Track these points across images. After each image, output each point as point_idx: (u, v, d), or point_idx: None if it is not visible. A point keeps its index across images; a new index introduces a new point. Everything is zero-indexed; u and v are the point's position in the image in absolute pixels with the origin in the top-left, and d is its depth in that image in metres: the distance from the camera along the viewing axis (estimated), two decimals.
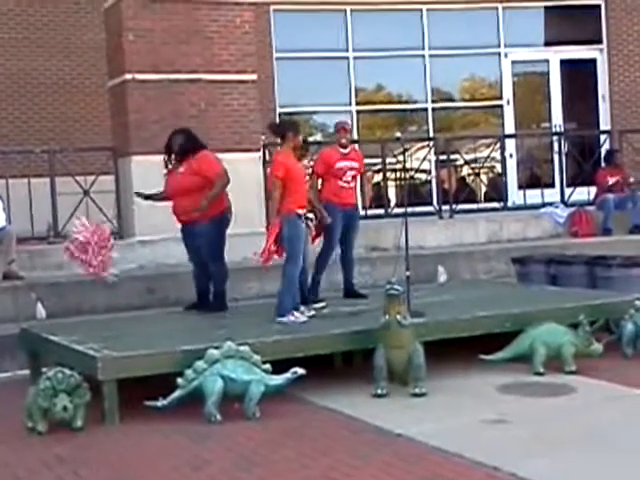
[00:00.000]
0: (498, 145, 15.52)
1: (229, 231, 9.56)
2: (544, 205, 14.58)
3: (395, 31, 17.12)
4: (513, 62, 17.83)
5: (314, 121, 17.40)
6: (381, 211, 14.12)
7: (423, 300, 8.57)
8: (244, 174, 11.98)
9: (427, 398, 7.00)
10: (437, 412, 6.68)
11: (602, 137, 16.31)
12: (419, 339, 7.24)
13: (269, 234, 8.54)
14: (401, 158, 12.96)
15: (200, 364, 6.67)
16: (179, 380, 6.68)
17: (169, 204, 9.45)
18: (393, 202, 14.85)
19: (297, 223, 8.46)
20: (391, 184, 15.65)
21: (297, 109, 16.92)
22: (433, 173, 15.80)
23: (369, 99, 17.71)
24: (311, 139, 14.23)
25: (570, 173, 15.93)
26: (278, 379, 6.69)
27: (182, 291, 9.61)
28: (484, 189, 16.50)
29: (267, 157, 13.11)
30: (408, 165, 14.21)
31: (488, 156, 15.86)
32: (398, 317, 7.14)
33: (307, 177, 9.63)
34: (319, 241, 9.83)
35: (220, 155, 11.91)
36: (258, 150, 12.91)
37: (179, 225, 9.46)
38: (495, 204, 15.01)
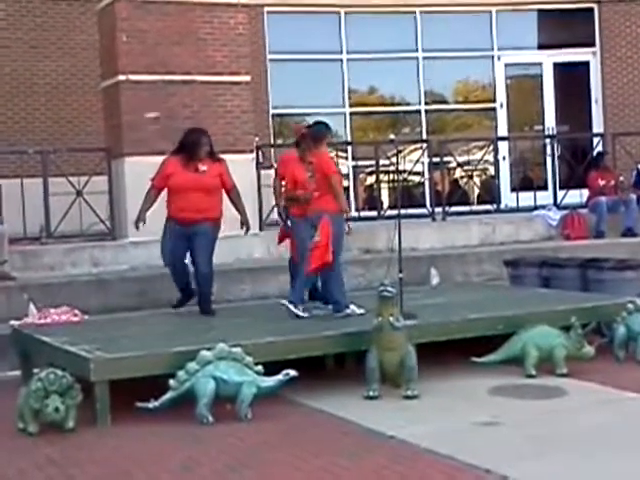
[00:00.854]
0: (491, 147, 15.56)
1: (225, 232, 9.57)
2: (537, 208, 14.60)
3: (389, 33, 17.15)
4: (506, 65, 17.88)
5: (307, 123, 17.37)
6: (374, 213, 14.14)
7: (416, 302, 8.58)
8: (237, 176, 11.96)
9: (419, 400, 7.01)
10: (429, 414, 6.68)
11: (595, 140, 16.34)
12: (411, 341, 7.24)
13: (323, 232, 8.59)
14: (394, 160, 12.96)
15: (192, 365, 6.67)
16: (171, 382, 6.67)
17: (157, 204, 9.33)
18: (386, 204, 14.87)
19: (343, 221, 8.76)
20: (384, 186, 15.67)
21: (290, 111, 16.95)
22: (426, 175, 15.84)
23: (362, 101, 17.73)
24: None
25: (563, 176, 15.96)
26: (270, 381, 6.69)
27: (174, 292, 9.57)
28: (477, 191, 16.53)
29: (260, 159, 13.12)
30: (401, 167, 14.22)
31: (481, 158, 15.88)
32: (391, 319, 7.14)
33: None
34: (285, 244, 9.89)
35: None
36: (252, 152, 12.91)
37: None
38: (488, 206, 15.04)
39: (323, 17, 17.03)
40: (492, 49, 17.75)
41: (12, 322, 9.08)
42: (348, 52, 17.13)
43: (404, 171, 14.72)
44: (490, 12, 17.68)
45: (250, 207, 12.05)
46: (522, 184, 15.97)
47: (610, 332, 8.31)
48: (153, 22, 12.35)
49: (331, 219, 8.56)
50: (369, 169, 15.33)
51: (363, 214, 14.36)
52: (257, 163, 12.84)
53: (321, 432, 6.37)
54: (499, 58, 17.79)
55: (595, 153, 15.40)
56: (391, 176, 15.27)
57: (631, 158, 15.37)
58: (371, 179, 15.42)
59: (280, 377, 6.69)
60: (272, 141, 15.92)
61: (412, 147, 16.31)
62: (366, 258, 11.65)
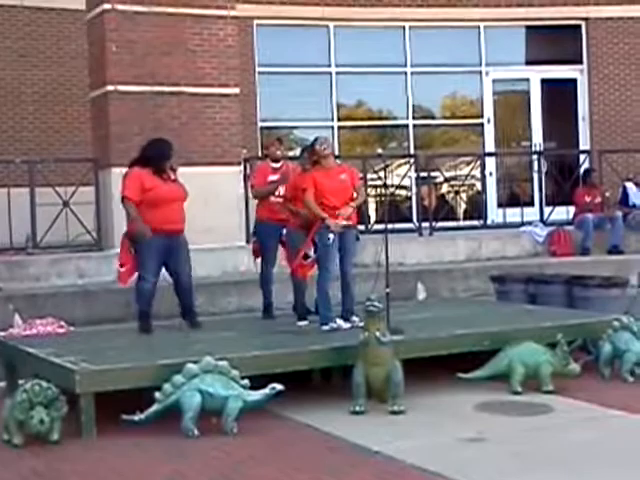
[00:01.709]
0: (478, 163, 15.59)
1: (212, 245, 9.55)
2: (523, 224, 14.63)
3: (377, 47, 17.17)
4: (494, 80, 17.91)
5: (295, 136, 17.40)
6: (361, 227, 14.11)
7: (402, 317, 8.58)
8: (225, 188, 11.99)
9: (405, 416, 7.00)
10: (415, 430, 6.68)
11: (582, 157, 16.39)
12: (398, 356, 7.24)
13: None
14: (382, 174, 12.99)
15: (178, 378, 6.65)
16: (157, 394, 6.65)
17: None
18: (373, 218, 14.88)
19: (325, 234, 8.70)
20: (371, 200, 15.68)
21: (278, 123, 16.95)
22: (413, 190, 15.84)
23: (350, 115, 17.74)
24: (291, 154, 14.24)
25: (549, 192, 15.99)
26: (256, 395, 6.68)
27: (160, 304, 9.55)
28: (464, 207, 16.56)
29: (248, 171, 13.12)
30: (389, 182, 14.24)
31: (468, 174, 15.90)
32: (377, 334, 7.14)
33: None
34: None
35: (201, 168, 12.00)
36: (239, 164, 12.92)
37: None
38: (475, 222, 15.07)
39: (312, 30, 17.05)
40: (480, 64, 17.78)
41: None
42: (337, 66, 17.14)
43: (391, 185, 14.74)
44: (478, 28, 17.72)
45: (237, 219, 12.12)
46: (509, 200, 16.02)
47: (596, 349, 8.32)
48: (142, 33, 12.37)
49: (316, 234, 8.62)
50: None
51: None
52: (244, 176, 12.82)
53: (307, 447, 6.35)
54: (487, 74, 17.83)
55: (582, 170, 15.45)
56: (378, 190, 15.28)
57: (617, 175, 15.44)
58: None
59: (266, 391, 6.68)
60: (260, 154, 15.91)
61: (399, 162, 16.32)
62: (353, 272, 11.61)
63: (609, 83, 17.97)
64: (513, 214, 15.02)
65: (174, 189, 8.98)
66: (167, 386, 6.65)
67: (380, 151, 11.69)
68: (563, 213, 14.98)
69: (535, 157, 16.26)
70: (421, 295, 11.60)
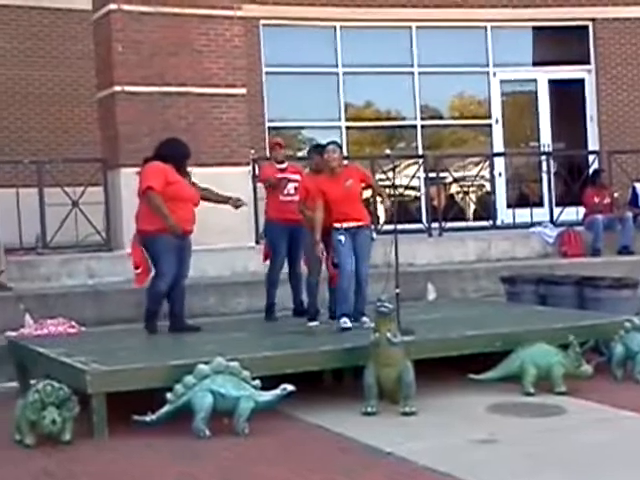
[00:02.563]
0: (487, 163, 15.56)
1: (222, 245, 9.52)
2: (533, 224, 14.61)
3: (385, 48, 17.16)
4: (502, 81, 17.90)
5: (302, 136, 17.40)
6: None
7: (413, 318, 8.56)
8: (234, 188, 11.94)
9: (417, 417, 6.98)
10: (427, 431, 6.66)
11: (590, 157, 16.36)
12: (409, 357, 7.22)
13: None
14: (390, 175, 12.96)
15: (190, 379, 6.64)
16: (168, 395, 6.63)
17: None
18: (382, 219, 14.85)
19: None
20: (380, 201, 15.62)
21: (286, 124, 16.95)
22: (422, 190, 15.81)
23: (358, 115, 17.73)
24: (300, 154, 14.22)
25: (559, 193, 15.99)
26: (268, 395, 6.66)
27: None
28: (473, 207, 16.53)
29: (256, 171, 13.10)
30: (397, 182, 14.21)
31: (477, 174, 15.88)
32: (388, 335, 7.12)
33: None
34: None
35: (209, 169, 11.99)
36: (247, 164, 12.91)
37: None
38: (484, 222, 15.04)
39: (319, 31, 17.04)
40: (487, 65, 17.77)
41: (8, 333, 9.04)
42: (344, 66, 17.13)
43: (400, 186, 14.71)
44: (485, 28, 17.71)
45: (246, 220, 12.09)
46: (518, 200, 15.99)
47: (608, 351, 8.30)
48: (149, 33, 12.35)
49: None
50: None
51: None
52: (253, 176, 12.81)
53: (319, 448, 6.34)
54: (494, 74, 17.81)
55: (591, 171, 15.42)
56: (387, 191, 15.22)
57: (627, 176, 15.40)
58: (367, 194, 15.37)
59: (277, 392, 6.66)
60: (268, 154, 15.90)
61: (408, 162, 16.30)
62: (367, 273, 11.59)
63: (617, 83, 17.94)
64: (523, 215, 14.99)
65: (192, 189, 8.94)
66: (178, 387, 6.63)
67: (388, 152, 11.67)
68: (573, 214, 14.94)
69: (544, 158, 16.24)
70: (431, 296, 11.57)
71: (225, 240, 11.15)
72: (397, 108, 17.89)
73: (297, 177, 9.78)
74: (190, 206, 8.82)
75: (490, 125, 17.83)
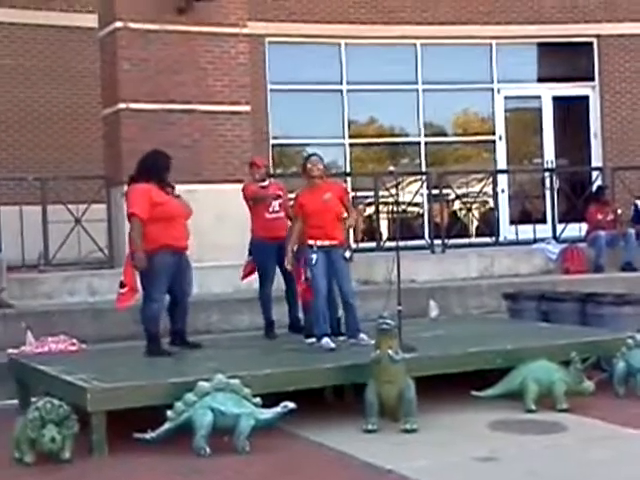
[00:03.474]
0: (490, 180, 15.57)
1: (225, 262, 9.48)
2: (536, 241, 14.61)
3: (389, 65, 17.23)
4: (506, 98, 17.95)
5: (307, 153, 17.40)
6: (373, 244, 14.13)
7: (415, 335, 8.54)
8: (237, 204, 11.95)
9: (418, 434, 6.95)
10: (428, 448, 6.63)
11: (594, 174, 16.37)
12: (410, 374, 7.20)
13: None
14: (393, 191, 12.97)
15: (190, 397, 6.62)
16: (169, 413, 6.61)
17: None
18: (385, 235, 14.87)
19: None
20: (383, 217, 15.67)
21: (290, 141, 17.00)
22: (425, 207, 15.82)
23: (362, 132, 17.78)
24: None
25: (562, 209, 15.99)
26: (268, 413, 6.64)
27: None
28: (476, 224, 16.54)
29: None
30: (400, 199, 14.23)
31: (480, 191, 15.91)
32: (390, 352, 7.10)
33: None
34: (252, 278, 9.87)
35: (213, 186, 12.02)
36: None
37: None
38: (487, 239, 15.04)
39: (323, 48, 17.11)
40: (492, 82, 17.83)
41: (9, 350, 9.04)
42: (348, 83, 17.20)
43: (403, 203, 14.73)
44: (490, 45, 17.78)
45: (248, 236, 12.08)
46: (521, 217, 16.00)
47: (610, 367, 8.27)
48: (154, 51, 12.40)
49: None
50: (368, 200, 15.31)
51: (362, 245, 14.35)
52: None
53: (319, 465, 6.32)
54: (499, 91, 17.86)
55: (595, 187, 15.42)
56: (390, 207, 15.27)
57: (630, 192, 15.38)
58: (370, 210, 15.42)
59: (278, 409, 6.64)
60: (272, 171, 15.93)
61: (411, 179, 16.32)
62: (364, 290, 11.61)
63: (621, 100, 17.98)
64: (525, 231, 15.00)
65: (180, 204, 8.72)
66: (179, 404, 6.62)
67: (392, 168, 11.65)
68: (575, 230, 14.94)
69: (547, 174, 16.25)
70: (434, 312, 11.54)
71: (228, 257, 11.13)
72: (401, 125, 17.94)
73: (280, 193, 9.78)
74: (182, 222, 8.64)
75: (494, 142, 17.88)
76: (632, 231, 14.01)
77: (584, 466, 6.10)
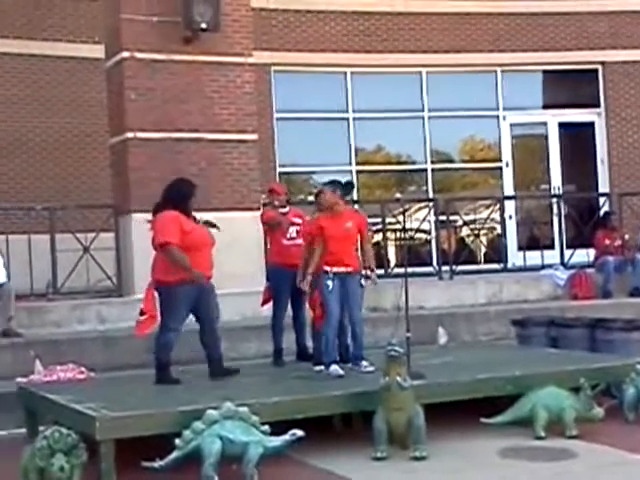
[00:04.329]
0: (497, 206, 15.57)
1: (233, 290, 9.45)
2: (544, 267, 14.59)
3: (395, 92, 17.31)
4: (512, 125, 17.99)
5: (314, 181, 17.47)
6: (381, 271, 14.08)
7: (423, 362, 8.52)
8: (245, 232, 11.99)
9: (427, 461, 6.92)
10: (438, 476, 6.60)
11: (601, 199, 16.37)
12: (419, 401, 7.18)
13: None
14: (401, 218, 12.98)
15: (198, 425, 6.60)
16: (177, 441, 6.59)
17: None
18: (393, 262, 14.86)
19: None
20: (391, 244, 15.68)
21: (297, 169, 17.05)
22: (433, 234, 15.83)
23: (369, 159, 17.83)
24: (310, 198, 14.26)
25: (569, 235, 15.98)
26: (277, 441, 6.61)
27: (181, 350, 9.51)
28: (484, 250, 16.53)
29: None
30: (408, 225, 14.24)
31: (488, 217, 15.91)
32: (398, 379, 7.08)
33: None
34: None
35: (220, 214, 12.02)
36: (258, 209, 12.89)
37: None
38: (495, 265, 15.03)
39: (329, 76, 17.19)
40: (497, 109, 17.87)
41: (18, 379, 9.03)
42: (354, 111, 17.26)
43: (410, 229, 14.74)
44: (495, 72, 17.84)
45: (257, 264, 12.10)
46: (529, 243, 15.98)
47: (620, 393, 8.23)
48: (161, 80, 12.48)
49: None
50: (375, 227, 15.33)
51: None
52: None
53: None
54: (504, 118, 17.90)
55: (602, 213, 15.42)
56: (398, 234, 15.28)
57: (637, 218, 15.37)
58: (378, 237, 15.43)
59: (287, 437, 6.60)
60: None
61: (418, 205, 16.34)
62: (373, 316, 11.59)
63: (627, 126, 18.02)
64: (533, 257, 14.98)
65: (206, 233, 8.69)
66: (187, 432, 6.59)
67: (398, 195, 11.69)
68: (584, 256, 14.92)
69: (554, 200, 16.25)
70: (442, 339, 11.53)
71: (235, 285, 11.13)
72: (407, 152, 17.99)
73: (299, 220, 9.78)
74: (208, 251, 8.57)
75: (500, 168, 17.90)
76: None
77: None
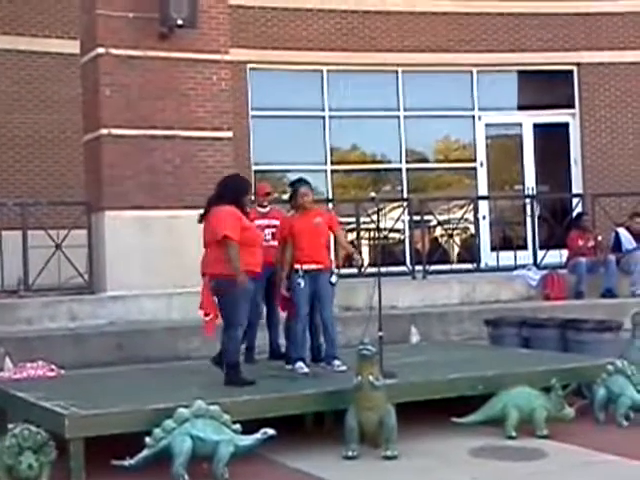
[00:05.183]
0: (471, 206, 15.60)
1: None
2: (517, 267, 14.63)
3: (370, 92, 17.31)
4: (487, 125, 18.04)
5: (288, 179, 17.42)
6: (354, 270, 14.10)
7: (395, 361, 8.52)
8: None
9: (398, 461, 6.93)
10: (408, 475, 6.61)
11: (574, 200, 16.43)
12: (391, 400, 7.18)
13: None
14: (375, 218, 12.98)
15: (169, 423, 6.57)
16: (147, 439, 6.56)
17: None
18: (366, 262, 14.85)
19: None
20: (365, 243, 15.68)
21: (272, 167, 17.00)
22: (407, 233, 15.84)
23: (344, 158, 17.82)
24: (285, 197, 14.24)
25: (543, 236, 16.04)
26: (248, 440, 6.60)
27: (152, 348, 9.52)
28: (457, 250, 16.56)
29: None
30: (382, 225, 14.24)
31: (461, 217, 15.93)
32: (370, 378, 7.09)
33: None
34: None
35: (194, 211, 11.95)
36: None
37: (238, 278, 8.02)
38: (468, 265, 15.05)
39: (306, 75, 17.17)
40: (473, 109, 17.91)
41: None
42: (330, 110, 17.24)
43: (384, 229, 14.74)
44: (471, 72, 17.87)
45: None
46: (502, 243, 16.02)
47: (590, 394, 8.28)
48: (136, 77, 12.41)
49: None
50: (349, 226, 15.31)
51: (343, 271, 14.31)
52: None
53: None
54: (480, 118, 17.94)
55: (575, 214, 15.48)
56: (371, 234, 15.28)
57: (610, 219, 15.45)
58: (351, 236, 15.41)
59: (258, 436, 6.60)
60: (253, 197, 15.90)
61: (393, 205, 16.35)
62: (346, 316, 11.58)
63: (601, 127, 18.09)
64: (506, 257, 15.02)
65: (258, 231, 8.65)
66: (158, 431, 6.56)
67: (373, 194, 11.69)
68: (556, 256, 14.98)
69: (528, 200, 16.30)
70: (414, 338, 11.54)
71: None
72: (382, 151, 17.99)
73: (276, 222, 9.62)
74: (259, 249, 8.37)
75: (475, 168, 17.94)
76: (612, 258, 14.03)
77: None
